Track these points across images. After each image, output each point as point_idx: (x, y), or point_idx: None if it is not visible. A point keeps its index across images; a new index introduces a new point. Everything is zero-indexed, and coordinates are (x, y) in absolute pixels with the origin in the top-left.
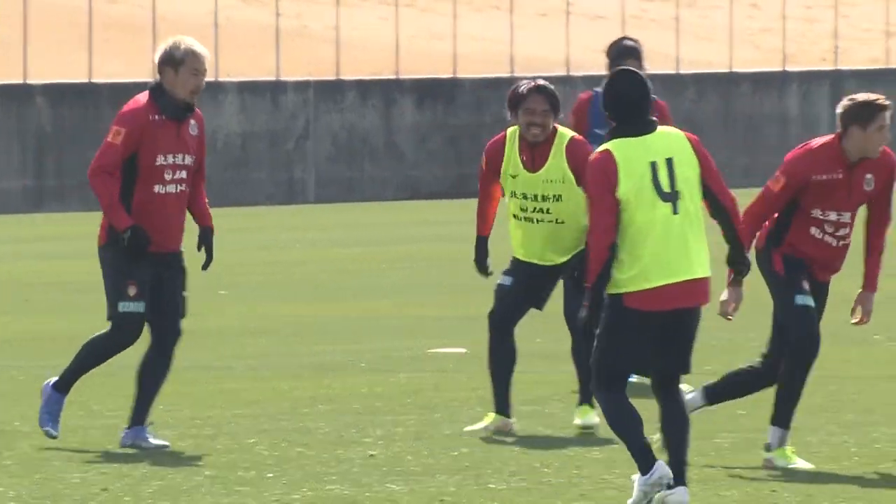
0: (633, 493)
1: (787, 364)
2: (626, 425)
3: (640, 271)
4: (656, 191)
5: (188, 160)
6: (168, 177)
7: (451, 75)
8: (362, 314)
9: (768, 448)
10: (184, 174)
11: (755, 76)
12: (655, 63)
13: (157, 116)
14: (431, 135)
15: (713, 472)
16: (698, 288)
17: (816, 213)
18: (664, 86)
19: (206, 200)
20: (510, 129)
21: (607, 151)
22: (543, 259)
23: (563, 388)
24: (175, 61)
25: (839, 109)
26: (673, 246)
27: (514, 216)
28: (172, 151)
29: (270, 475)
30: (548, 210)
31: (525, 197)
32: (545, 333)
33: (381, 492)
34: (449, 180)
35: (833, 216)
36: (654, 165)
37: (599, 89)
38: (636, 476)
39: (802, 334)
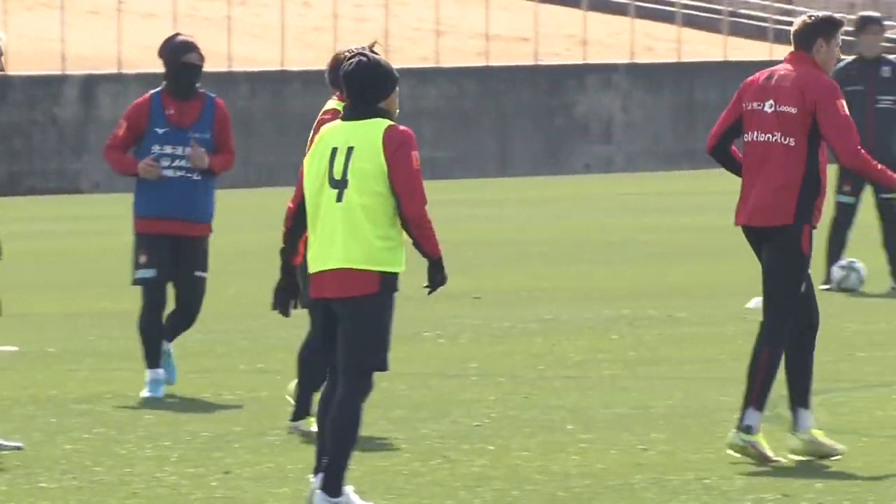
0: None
1: (789, 347)
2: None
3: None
4: (328, 177)
5: None
6: None
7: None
8: None
9: (748, 430)
10: None
11: (306, 74)
12: (208, 61)
13: None
14: None
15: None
16: (335, 278)
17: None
18: (217, 84)
19: None
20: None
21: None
22: None
23: (115, 386)
24: None
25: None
26: (328, 233)
27: None
28: None
29: None
30: None
31: None
32: (96, 330)
33: None
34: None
35: None
36: (334, 151)
37: (160, 89)
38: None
39: (816, 322)
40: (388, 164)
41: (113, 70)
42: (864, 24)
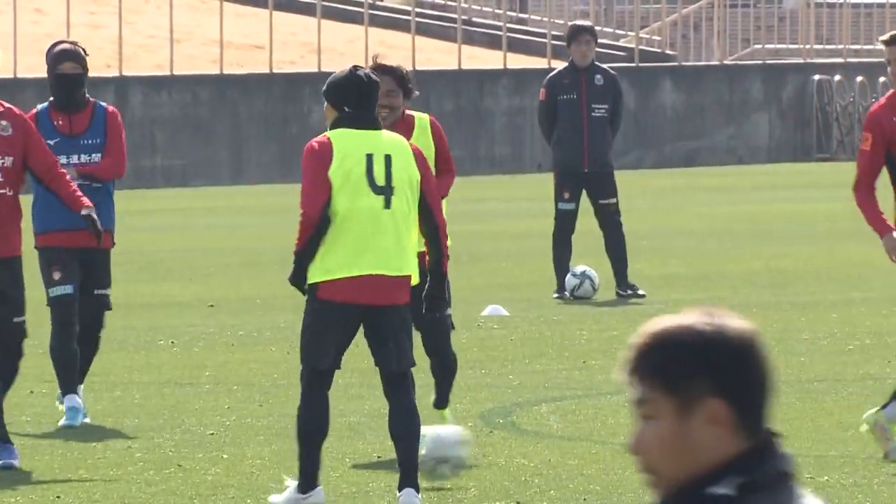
0: (282, 499)
1: None
2: (309, 430)
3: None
4: (368, 183)
5: None
6: None
7: None
8: None
9: None
10: None
11: (40, 82)
12: None
13: None
14: None
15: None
16: (388, 285)
17: None
18: None
19: (73, 186)
20: None
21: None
22: None
23: None
24: None
25: None
26: (364, 239)
27: None
28: None
29: None
30: None
31: None
32: None
33: None
34: None
35: None
36: (370, 158)
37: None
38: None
39: None
40: (421, 174)
41: None
42: (575, 34)
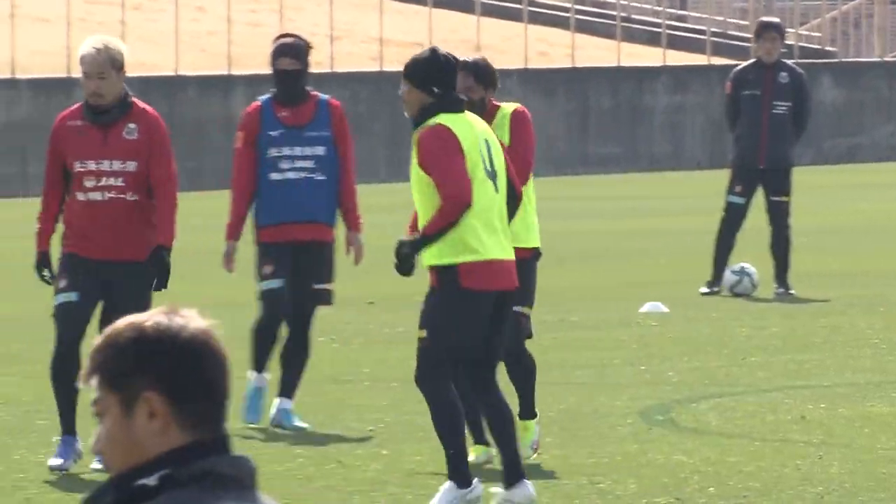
0: (444, 499)
1: None
2: (455, 429)
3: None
4: (484, 168)
5: (119, 166)
6: (90, 184)
7: None
8: None
9: None
10: (115, 181)
11: (200, 79)
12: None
13: (77, 122)
14: None
15: None
16: (512, 269)
17: None
18: None
19: (170, 212)
20: None
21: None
22: None
23: (6, 390)
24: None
25: None
26: (492, 223)
27: None
28: (94, 157)
29: None
30: None
31: None
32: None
33: None
34: None
35: None
36: (486, 143)
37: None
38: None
39: None
40: (507, 158)
41: (6, 75)
42: (762, 30)
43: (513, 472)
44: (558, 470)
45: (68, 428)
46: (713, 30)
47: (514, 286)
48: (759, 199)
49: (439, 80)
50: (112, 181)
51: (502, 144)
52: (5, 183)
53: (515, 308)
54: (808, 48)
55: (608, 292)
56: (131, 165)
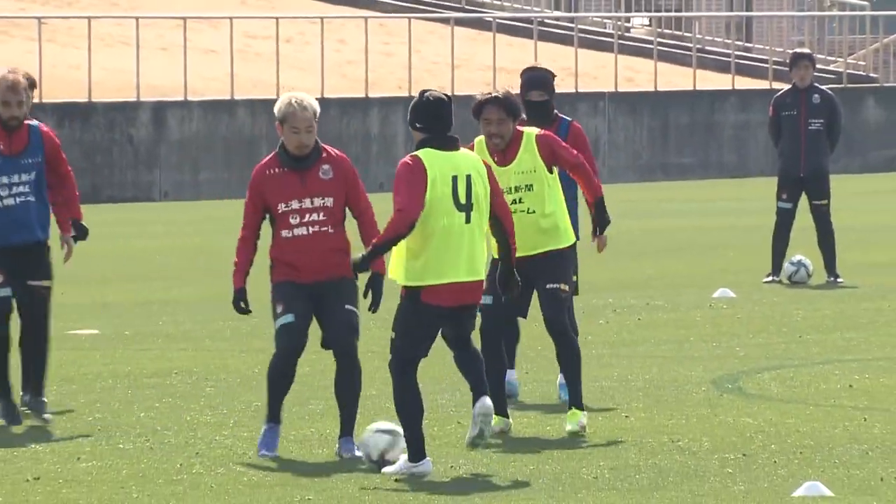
0: (396, 467)
1: None
2: (410, 411)
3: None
4: (453, 201)
5: (319, 202)
6: (294, 221)
7: (86, 99)
8: None
9: None
10: (317, 216)
11: (341, 101)
12: (259, 90)
13: (275, 170)
14: (70, 148)
15: (308, 434)
16: (475, 289)
17: None
18: (267, 110)
19: (374, 236)
20: (477, 138)
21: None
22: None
23: (180, 363)
24: (280, 118)
25: None
26: (453, 250)
27: None
28: (297, 197)
29: None
30: (521, 200)
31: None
32: (165, 316)
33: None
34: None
35: None
36: (455, 179)
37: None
38: (404, 458)
39: None
40: (490, 188)
41: (180, 97)
42: (796, 59)
43: (479, 388)
44: (643, 430)
45: (274, 416)
46: (775, 59)
47: (475, 301)
48: (804, 202)
49: (422, 118)
50: (316, 216)
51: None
52: (179, 188)
53: (550, 285)
54: (854, 74)
55: (685, 280)
56: (329, 201)
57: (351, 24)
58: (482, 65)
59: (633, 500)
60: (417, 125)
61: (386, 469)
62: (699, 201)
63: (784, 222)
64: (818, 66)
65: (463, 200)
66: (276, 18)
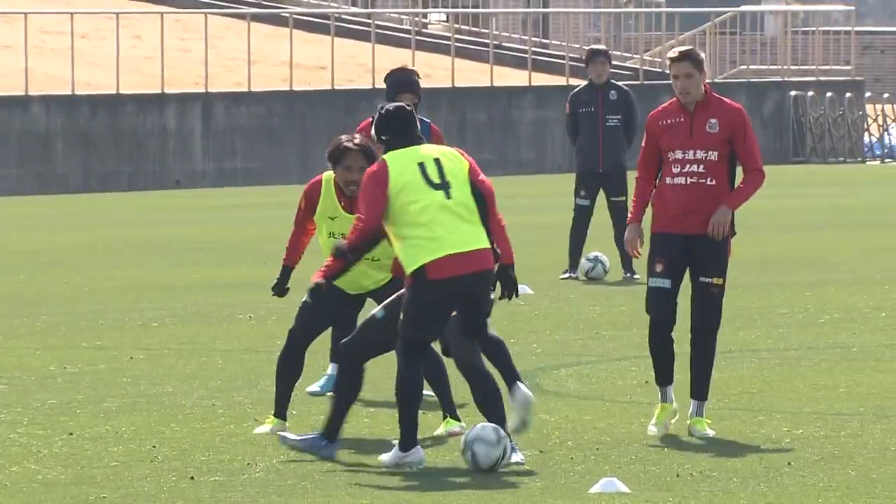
0: (388, 458)
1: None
2: (408, 394)
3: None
4: (426, 182)
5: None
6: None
7: None
8: None
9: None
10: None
11: (138, 97)
12: (53, 86)
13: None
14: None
15: (102, 432)
16: (480, 256)
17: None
18: (60, 105)
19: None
20: (325, 174)
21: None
22: (352, 288)
23: None
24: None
25: None
26: (444, 224)
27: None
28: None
29: None
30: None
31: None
32: None
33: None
34: None
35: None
36: (422, 165)
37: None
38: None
39: None
40: (470, 167)
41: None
42: (592, 56)
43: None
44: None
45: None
46: (571, 55)
47: (487, 268)
48: (601, 198)
49: (387, 131)
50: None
51: None
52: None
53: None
54: (651, 71)
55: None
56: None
57: (147, 19)
58: (279, 60)
59: (430, 498)
60: (383, 138)
61: (381, 457)
62: (497, 198)
63: (582, 219)
64: (615, 62)
65: (437, 180)
66: (71, 14)
